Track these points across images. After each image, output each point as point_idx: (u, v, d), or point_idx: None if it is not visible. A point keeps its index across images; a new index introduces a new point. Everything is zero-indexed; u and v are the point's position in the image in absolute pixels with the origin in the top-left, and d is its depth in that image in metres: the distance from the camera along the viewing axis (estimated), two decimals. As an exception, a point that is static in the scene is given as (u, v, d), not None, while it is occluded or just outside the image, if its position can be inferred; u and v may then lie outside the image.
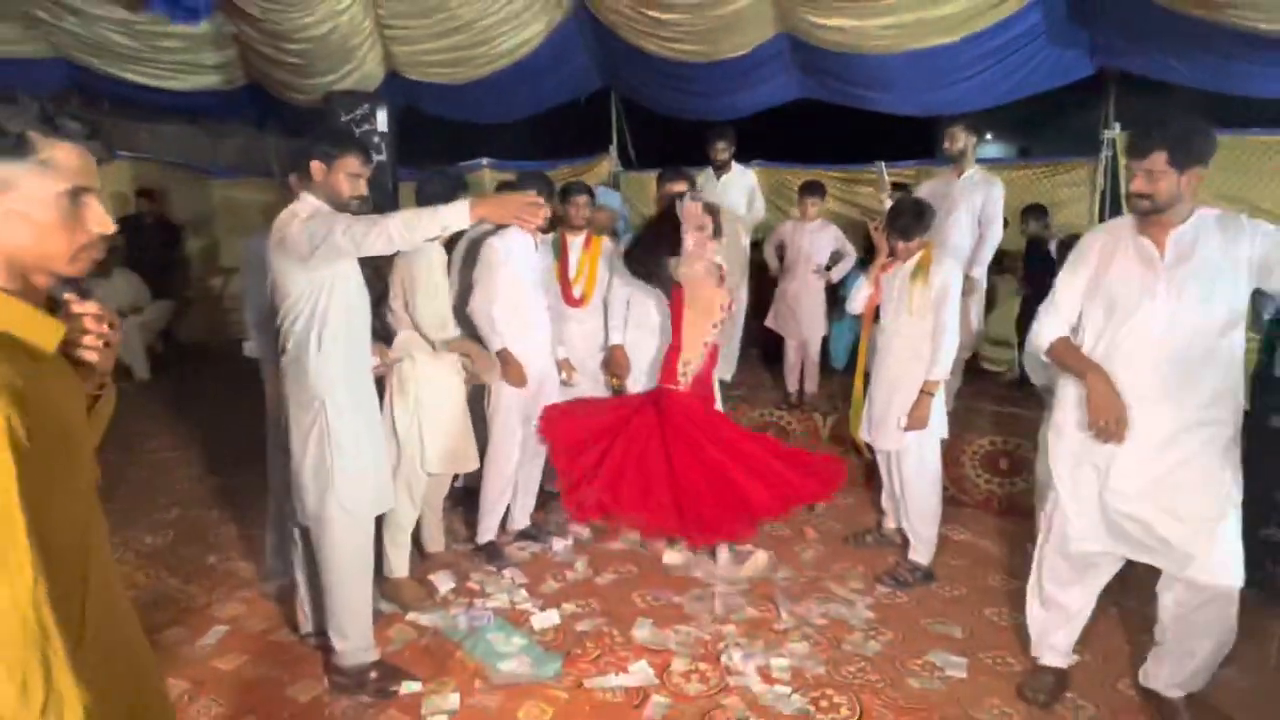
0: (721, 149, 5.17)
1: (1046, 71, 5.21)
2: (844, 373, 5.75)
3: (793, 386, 5.37)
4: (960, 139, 4.41)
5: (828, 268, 5.20)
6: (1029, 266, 5.51)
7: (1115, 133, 5.33)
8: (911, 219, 3.51)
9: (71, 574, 1.23)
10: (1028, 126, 11.52)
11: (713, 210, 3.44)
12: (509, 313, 3.69)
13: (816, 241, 5.19)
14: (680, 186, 3.82)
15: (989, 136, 15.45)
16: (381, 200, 5.12)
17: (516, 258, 3.69)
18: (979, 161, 4.55)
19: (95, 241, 1.31)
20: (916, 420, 3.49)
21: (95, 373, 1.39)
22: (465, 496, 4.27)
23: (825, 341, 5.47)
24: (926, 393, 3.48)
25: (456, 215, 2.45)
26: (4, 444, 1.13)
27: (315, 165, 2.67)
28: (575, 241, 4.34)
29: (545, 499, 4.21)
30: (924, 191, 4.61)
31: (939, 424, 3.57)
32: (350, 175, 2.68)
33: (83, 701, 1.12)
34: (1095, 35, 5.04)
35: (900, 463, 3.64)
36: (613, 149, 7.08)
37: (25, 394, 1.15)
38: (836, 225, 5.24)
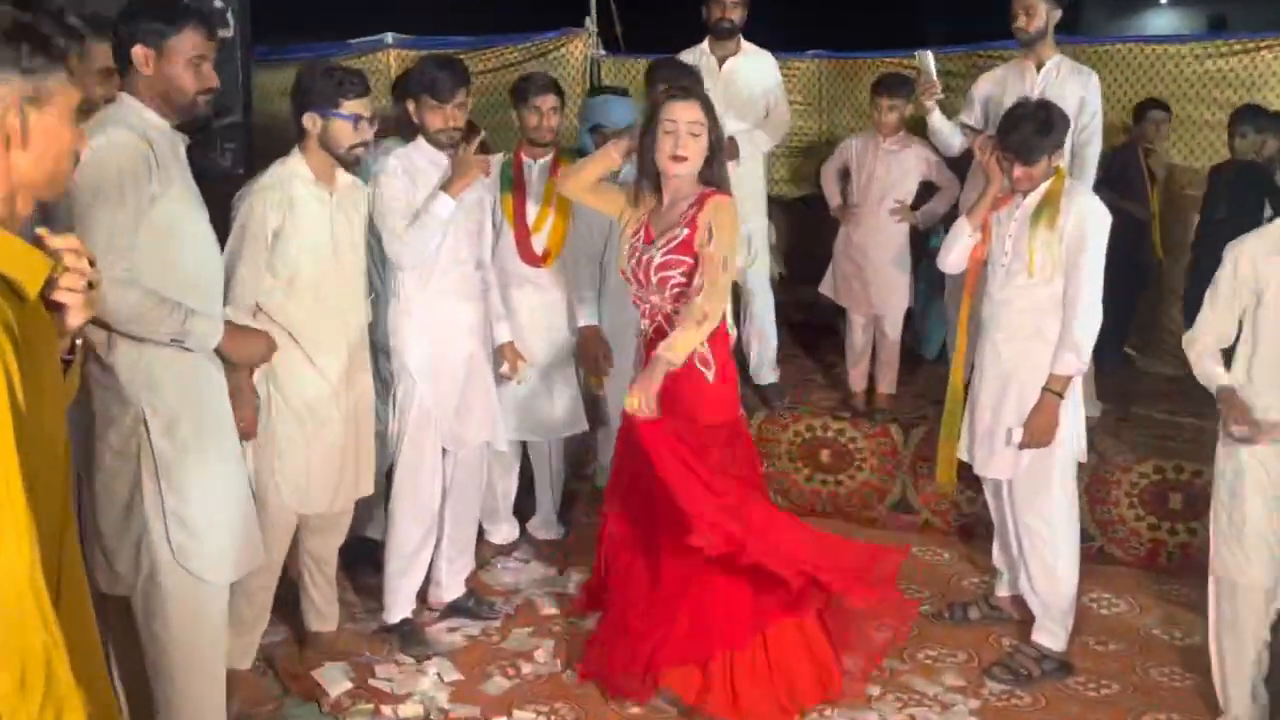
0: (731, 5, 5.10)
1: None
2: (937, 363, 5.85)
3: (859, 384, 5.46)
4: (1041, 11, 4.53)
5: (914, 207, 5.27)
6: (1233, 201, 5.47)
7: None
8: (1034, 130, 3.55)
9: (50, 549, 1.48)
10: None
11: (710, 111, 3.37)
12: (413, 278, 3.78)
13: (898, 167, 5.23)
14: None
15: (1162, 1, 15.50)
16: (228, 97, 5.09)
17: (423, 190, 3.73)
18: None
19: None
20: (1038, 431, 3.55)
21: (66, 329, 1.65)
22: (364, 552, 4.34)
23: (910, 317, 5.55)
24: (1053, 392, 3.53)
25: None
26: (3, 396, 1.39)
27: (139, 52, 2.74)
28: (536, 167, 4.39)
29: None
30: (983, 91, 4.77)
31: (1074, 441, 3.63)
32: (192, 60, 2.78)
33: (85, 708, 1.40)
34: None
35: (1016, 498, 3.70)
36: (590, 22, 6.97)
37: (19, 342, 1.42)
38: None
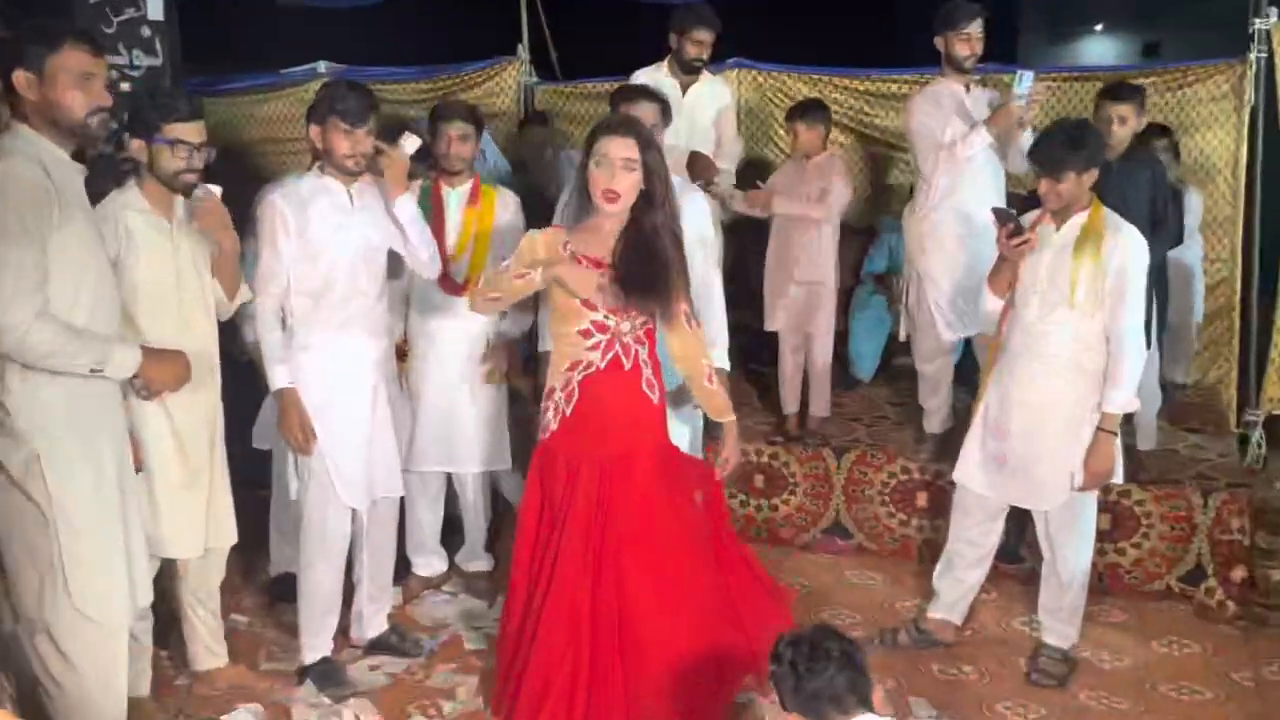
0: (701, 40, 5.04)
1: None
2: (871, 385, 5.89)
3: (791, 407, 5.41)
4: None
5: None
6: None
7: (1272, 22, 5.32)
8: (1063, 145, 3.52)
9: None
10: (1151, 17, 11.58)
11: (648, 148, 3.25)
12: (309, 312, 3.66)
13: (817, 179, 5.20)
14: (647, 113, 3.74)
15: (1098, 28, 15.66)
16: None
17: (316, 219, 3.63)
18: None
19: None
20: (1099, 473, 3.62)
21: None
22: (288, 588, 4.22)
23: (840, 337, 5.53)
24: (1108, 431, 3.58)
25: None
26: None
27: (20, 77, 2.70)
28: (455, 195, 4.36)
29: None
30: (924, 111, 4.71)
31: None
32: (78, 78, 2.72)
33: None
34: None
35: (1054, 526, 3.76)
36: (522, 49, 6.95)
37: None
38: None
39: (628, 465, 3.26)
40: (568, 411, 3.29)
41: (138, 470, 3.14)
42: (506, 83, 6.89)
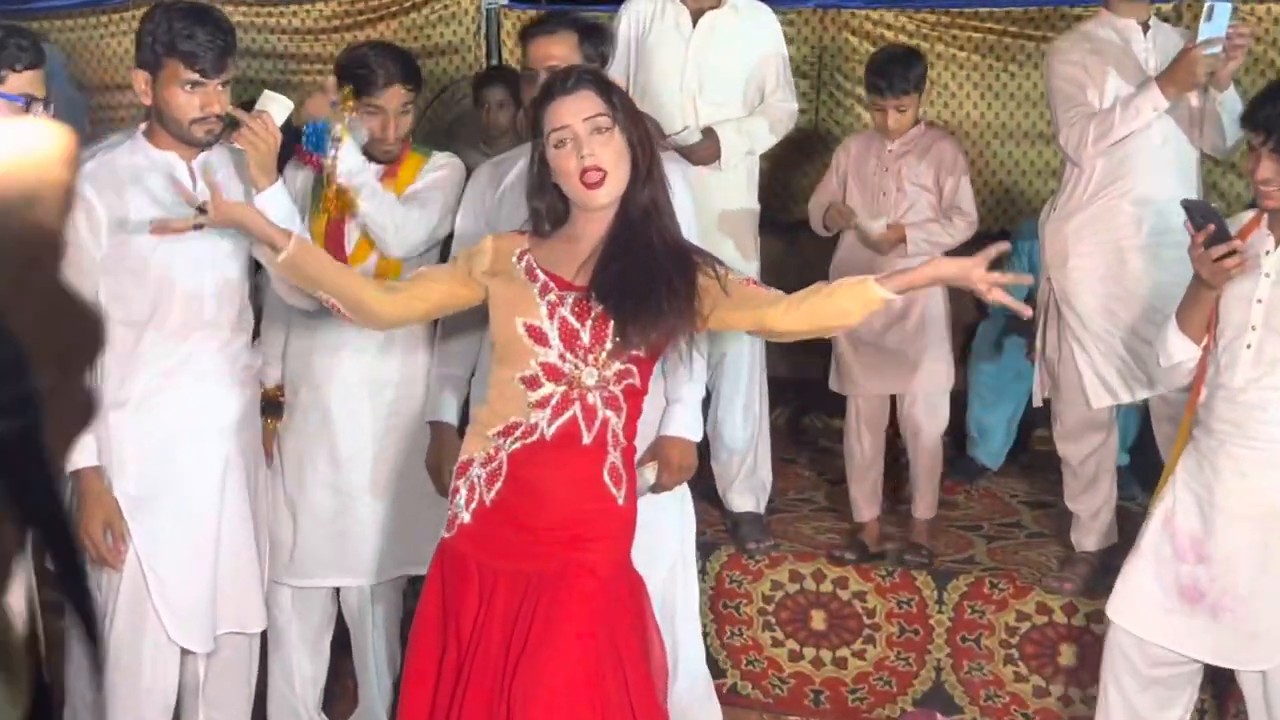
0: None
1: None
2: (1002, 474, 4.97)
3: (867, 510, 4.32)
4: None
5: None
6: None
7: None
8: None
9: None
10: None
11: (615, 95, 2.85)
12: (128, 351, 3.21)
13: (913, 173, 4.24)
14: (562, 50, 3.33)
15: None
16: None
17: (138, 209, 3.19)
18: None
19: None
20: None
21: None
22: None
23: (956, 403, 4.54)
24: None
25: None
26: None
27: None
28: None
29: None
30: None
31: None
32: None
33: None
34: None
35: (1274, 689, 3.18)
36: None
37: None
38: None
39: (560, 595, 2.75)
40: (488, 498, 2.79)
41: None
42: (461, 4, 5.91)
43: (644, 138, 2.78)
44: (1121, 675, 3.31)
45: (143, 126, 3.16)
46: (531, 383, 2.75)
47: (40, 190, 0.44)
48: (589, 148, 2.66)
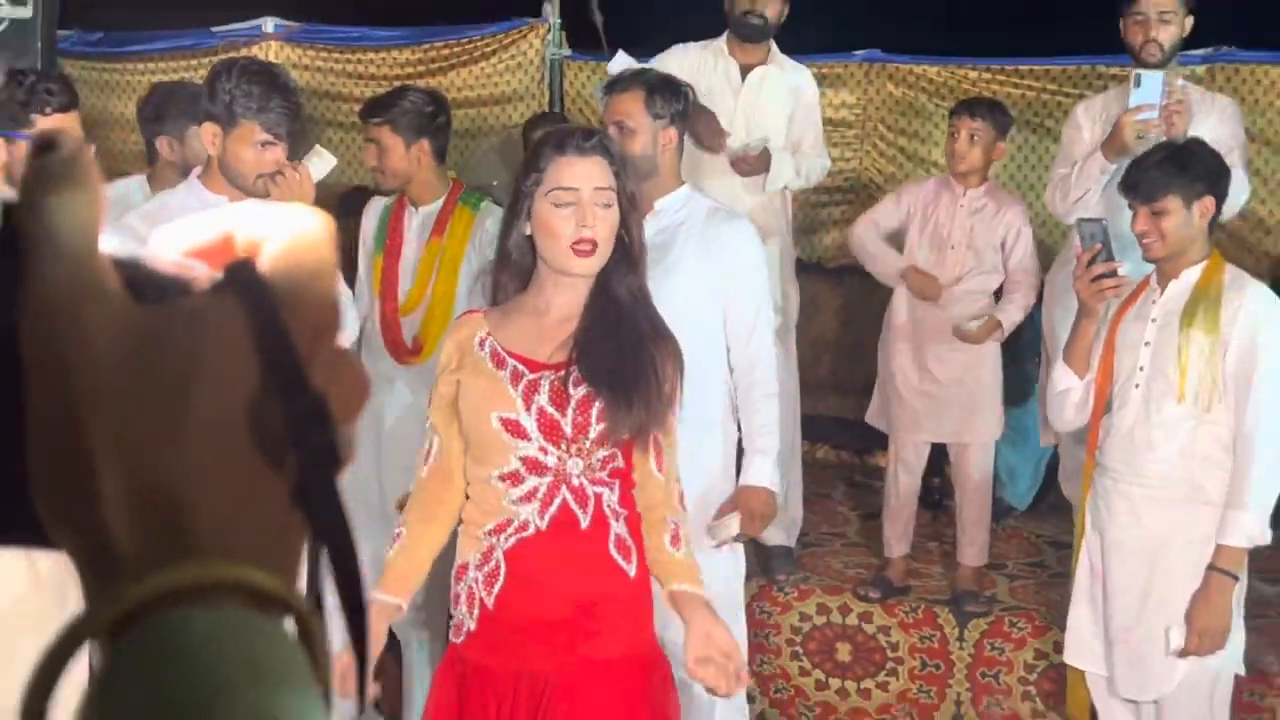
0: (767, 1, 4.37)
1: None
2: (1027, 516, 4.99)
3: (897, 549, 4.32)
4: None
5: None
6: None
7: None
8: (1161, 162, 3.09)
9: None
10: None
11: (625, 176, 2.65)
12: None
13: (984, 232, 4.22)
14: (629, 107, 3.29)
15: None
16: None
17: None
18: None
19: None
20: (1209, 630, 3.04)
21: None
22: None
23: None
24: (1223, 572, 3.04)
25: None
26: None
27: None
28: (419, 217, 3.68)
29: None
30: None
31: (1236, 643, 3.14)
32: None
33: None
34: None
35: None
36: (550, 10, 6.05)
37: None
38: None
39: (578, 709, 2.49)
40: (489, 601, 2.54)
41: None
42: (526, 55, 6.03)
43: (639, 220, 2.63)
44: (1110, 704, 3.32)
45: (198, 170, 3.23)
46: (513, 478, 2.53)
47: (321, 267, 0.48)
48: (591, 219, 2.50)
